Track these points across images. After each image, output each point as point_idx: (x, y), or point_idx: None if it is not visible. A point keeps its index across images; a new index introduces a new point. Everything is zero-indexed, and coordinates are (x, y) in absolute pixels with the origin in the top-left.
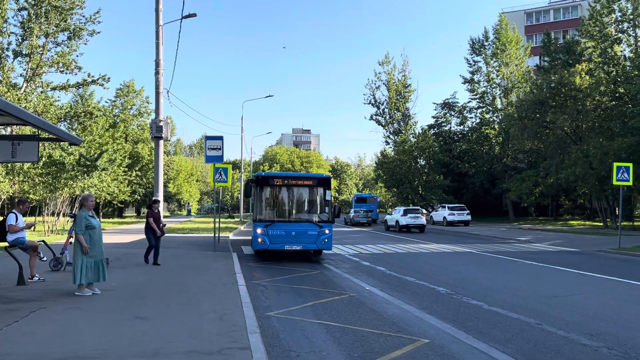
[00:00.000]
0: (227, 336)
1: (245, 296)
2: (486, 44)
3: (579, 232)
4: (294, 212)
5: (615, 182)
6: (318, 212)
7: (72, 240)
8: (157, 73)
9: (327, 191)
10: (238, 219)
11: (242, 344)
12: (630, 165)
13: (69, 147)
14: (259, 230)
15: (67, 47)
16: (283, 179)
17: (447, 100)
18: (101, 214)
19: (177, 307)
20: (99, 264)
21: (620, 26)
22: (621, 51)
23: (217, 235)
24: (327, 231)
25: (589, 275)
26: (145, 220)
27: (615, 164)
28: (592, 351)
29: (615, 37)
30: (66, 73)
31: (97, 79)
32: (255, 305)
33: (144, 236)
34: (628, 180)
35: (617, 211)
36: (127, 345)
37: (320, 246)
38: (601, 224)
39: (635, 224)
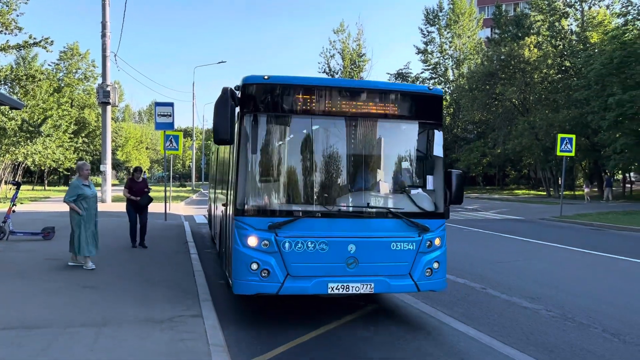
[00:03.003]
0: (179, 304)
1: (197, 264)
2: (440, 14)
3: (524, 201)
4: (350, 189)
5: (559, 153)
6: (413, 189)
7: (13, 208)
8: (103, 35)
9: (434, 134)
10: (190, 188)
11: (194, 311)
12: (573, 136)
13: (10, 111)
14: (252, 241)
15: (6, 6)
16: (319, 93)
17: (400, 71)
18: (46, 182)
19: (127, 276)
20: (93, 237)
21: (567, 0)
22: (568, 25)
23: (167, 204)
24: (437, 241)
25: (532, 242)
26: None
27: (560, 135)
28: (532, 313)
29: (563, 11)
30: (5, 34)
31: (40, 41)
32: (207, 274)
33: None
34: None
35: (559, 181)
36: (75, 315)
37: (423, 283)
38: (545, 193)
39: (577, 193)
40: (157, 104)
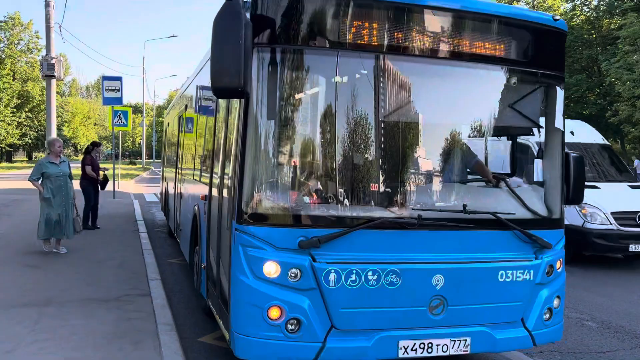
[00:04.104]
0: (126, 283)
1: (146, 243)
2: None
3: None
4: (431, 180)
5: None
6: (513, 180)
7: None
8: (47, 5)
9: (555, 93)
10: (140, 166)
11: (141, 290)
12: None
13: None
14: (270, 269)
15: None
16: (385, 14)
17: None
18: None
19: (72, 255)
20: (61, 218)
21: None
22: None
23: (116, 182)
24: (558, 264)
25: None
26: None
27: None
28: None
29: None
30: None
31: None
32: (156, 253)
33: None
34: None
35: None
36: (17, 295)
37: (540, 333)
38: None
39: None
40: (105, 78)
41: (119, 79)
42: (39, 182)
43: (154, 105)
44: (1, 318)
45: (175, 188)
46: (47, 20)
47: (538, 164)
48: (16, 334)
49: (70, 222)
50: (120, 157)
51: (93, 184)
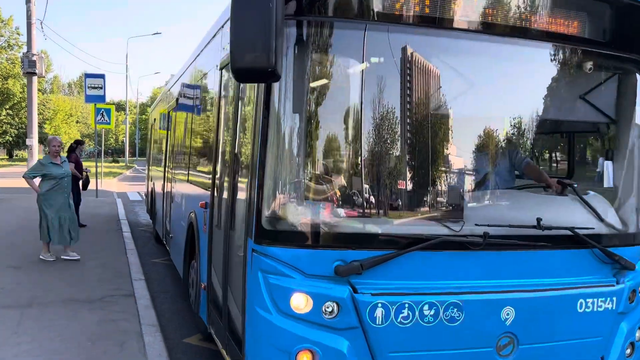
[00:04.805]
0: (110, 283)
1: (129, 243)
2: None
3: None
4: (494, 187)
5: None
6: (581, 187)
7: None
8: (28, 1)
9: (635, 80)
10: (123, 164)
11: (125, 291)
12: None
13: None
14: (299, 302)
15: None
16: None
17: None
18: None
19: (55, 256)
20: (64, 223)
21: None
22: None
23: (99, 180)
24: None
25: None
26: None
27: None
28: None
29: None
30: None
31: None
32: (140, 252)
33: (14, 181)
34: None
35: None
36: None
37: None
38: None
39: None
40: (87, 75)
41: (101, 76)
42: (36, 182)
43: (138, 103)
44: None
45: (164, 189)
46: (28, 17)
47: (608, 166)
48: None
49: (73, 226)
50: (102, 155)
51: (75, 182)
